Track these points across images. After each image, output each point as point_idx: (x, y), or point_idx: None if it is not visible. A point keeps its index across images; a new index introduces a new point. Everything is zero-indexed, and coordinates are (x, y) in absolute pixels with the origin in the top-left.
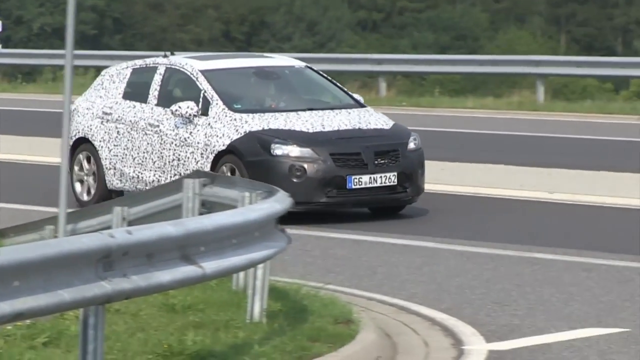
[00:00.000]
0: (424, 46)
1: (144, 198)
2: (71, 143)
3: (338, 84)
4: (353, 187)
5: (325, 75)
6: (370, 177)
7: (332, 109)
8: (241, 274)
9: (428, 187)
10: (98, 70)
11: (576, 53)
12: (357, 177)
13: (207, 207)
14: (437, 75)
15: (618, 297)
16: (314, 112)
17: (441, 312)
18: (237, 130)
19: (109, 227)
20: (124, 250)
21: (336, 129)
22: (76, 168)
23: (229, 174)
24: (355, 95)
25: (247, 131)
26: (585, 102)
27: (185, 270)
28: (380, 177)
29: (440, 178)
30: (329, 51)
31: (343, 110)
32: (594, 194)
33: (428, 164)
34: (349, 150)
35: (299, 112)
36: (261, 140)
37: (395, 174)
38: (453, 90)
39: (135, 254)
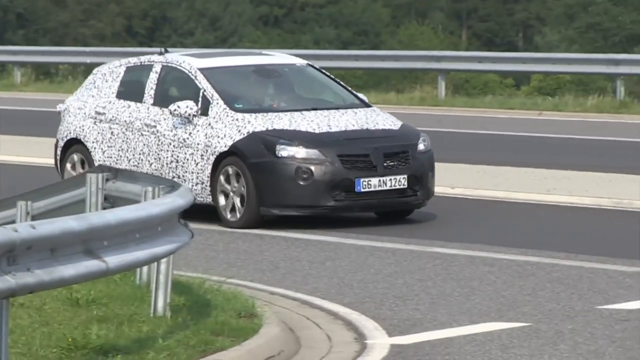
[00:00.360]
0: (326, 41)
1: (47, 192)
2: (62, 144)
3: (341, 83)
4: (362, 190)
5: (328, 74)
6: (379, 180)
7: (336, 108)
8: (144, 268)
9: None
10: (2, 65)
11: (477, 48)
12: (366, 179)
13: (111, 201)
14: (339, 70)
15: (519, 292)
16: (319, 111)
17: (344, 306)
18: (239, 131)
19: (12, 222)
20: (27, 244)
21: (343, 129)
22: (68, 166)
23: (233, 177)
24: (360, 95)
25: (250, 132)
26: (486, 97)
27: (89, 265)
28: (390, 179)
29: None
30: (231, 46)
31: (349, 110)
32: (496, 189)
33: None
34: (358, 152)
35: (304, 112)
36: (265, 141)
37: (405, 176)
38: (355, 86)
39: (38, 248)
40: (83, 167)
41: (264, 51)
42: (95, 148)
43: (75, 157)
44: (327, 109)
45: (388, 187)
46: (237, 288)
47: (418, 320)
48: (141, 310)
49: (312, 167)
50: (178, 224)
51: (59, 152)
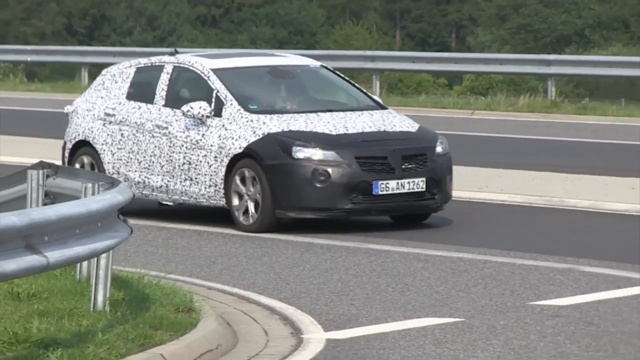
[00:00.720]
0: (263, 41)
1: None
2: (70, 147)
3: (356, 85)
4: (380, 193)
5: (342, 75)
6: (397, 183)
7: (352, 110)
8: (85, 264)
9: None
10: None
11: (411, 48)
12: (384, 182)
13: (51, 197)
14: None
15: (452, 288)
16: (335, 113)
17: (280, 301)
18: (254, 132)
19: None
20: None
21: (360, 131)
22: (77, 167)
23: (249, 179)
24: (375, 97)
25: (266, 133)
26: (420, 96)
27: (30, 260)
28: (408, 182)
29: None
30: (170, 45)
31: (365, 111)
32: None
33: None
34: (375, 154)
35: (319, 114)
36: (281, 143)
37: (424, 179)
38: None
39: None
40: (92, 170)
41: (277, 52)
42: (104, 150)
43: (85, 159)
44: (343, 110)
45: (406, 190)
46: (176, 283)
47: (353, 315)
48: (81, 305)
49: (329, 169)
50: (117, 219)
51: (66, 155)
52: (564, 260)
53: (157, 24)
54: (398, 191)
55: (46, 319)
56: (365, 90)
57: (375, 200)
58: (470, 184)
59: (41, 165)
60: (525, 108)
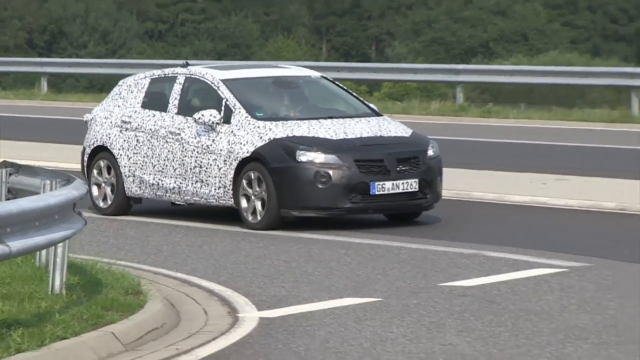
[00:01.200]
0: (204, 53)
1: None
2: (89, 152)
3: (353, 93)
4: (376, 193)
5: (341, 85)
6: (392, 184)
7: (350, 117)
8: (43, 252)
9: None
10: None
11: (336, 59)
12: (381, 183)
13: (13, 193)
14: None
15: (372, 271)
16: (335, 120)
17: (219, 284)
18: (261, 138)
19: None
20: None
21: (359, 136)
22: (95, 172)
23: (255, 181)
24: (371, 105)
25: (272, 138)
26: None
27: None
28: (402, 183)
29: None
30: (120, 57)
31: (362, 118)
32: None
33: None
34: (373, 157)
35: (321, 120)
36: (286, 147)
37: (417, 180)
38: None
39: None
40: (109, 173)
41: (280, 64)
42: (121, 155)
43: (102, 163)
44: (342, 117)
45: (400, 190)
46: (125, 269)
47: (284, 296)
48: (40, 289)
49: (331, 171)
50: (73, 212)
51: (85, 159)
52: (470, 247)
53: (109, 38)
54: (393, 191)
55: (8, 301)
56: (362, 99)
57: (372, 200)
58: None
59: (4, 164)
60: (437, 112)
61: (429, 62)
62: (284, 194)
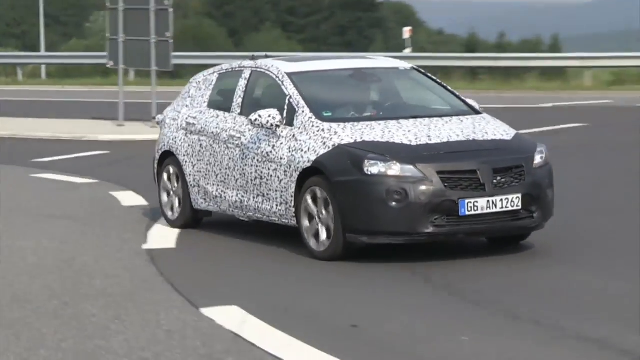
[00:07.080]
0: None
1: None
2: (157, 157)
3: (449, 88)
4: (467, 213)
5: (435, 78)
6: (488, 201)
7: (440, 116)
8: None
9: None
10: None
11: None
12: (472, 201)
13: None
14: None
15: None
16: (419, 120)
17: None
18: (324, 144)
19: None
20: None
21: (445, 140)
22: (165, 176)
23: (322, 200)
24: (469, 101)
25: (336, 144)
26: None
27: None
28: (501, 200)
29: None
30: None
31: (454, 117)
32: None
33: None
34: (462, 168)
35: (401, 121)
36: (352, 156)
37: (519, 195)
38: None
39: None
40: (177, 181)
41: (367, 55)
42: (186, 162)
43: (171, 169)
44: (430, 116)
45: (498, 209)
46: None
47: None
48: None
49: (407, 187)
50: None
51: (155, 164)
52: None
53: None
54: (489, 210)
55: None
56: (459, 94)
57: (461, 222)
58: None
59: None
60: None
61: None
62: (348, 215)
